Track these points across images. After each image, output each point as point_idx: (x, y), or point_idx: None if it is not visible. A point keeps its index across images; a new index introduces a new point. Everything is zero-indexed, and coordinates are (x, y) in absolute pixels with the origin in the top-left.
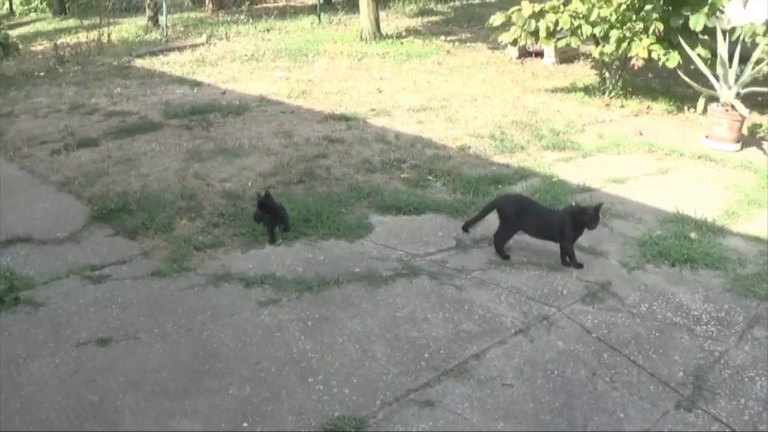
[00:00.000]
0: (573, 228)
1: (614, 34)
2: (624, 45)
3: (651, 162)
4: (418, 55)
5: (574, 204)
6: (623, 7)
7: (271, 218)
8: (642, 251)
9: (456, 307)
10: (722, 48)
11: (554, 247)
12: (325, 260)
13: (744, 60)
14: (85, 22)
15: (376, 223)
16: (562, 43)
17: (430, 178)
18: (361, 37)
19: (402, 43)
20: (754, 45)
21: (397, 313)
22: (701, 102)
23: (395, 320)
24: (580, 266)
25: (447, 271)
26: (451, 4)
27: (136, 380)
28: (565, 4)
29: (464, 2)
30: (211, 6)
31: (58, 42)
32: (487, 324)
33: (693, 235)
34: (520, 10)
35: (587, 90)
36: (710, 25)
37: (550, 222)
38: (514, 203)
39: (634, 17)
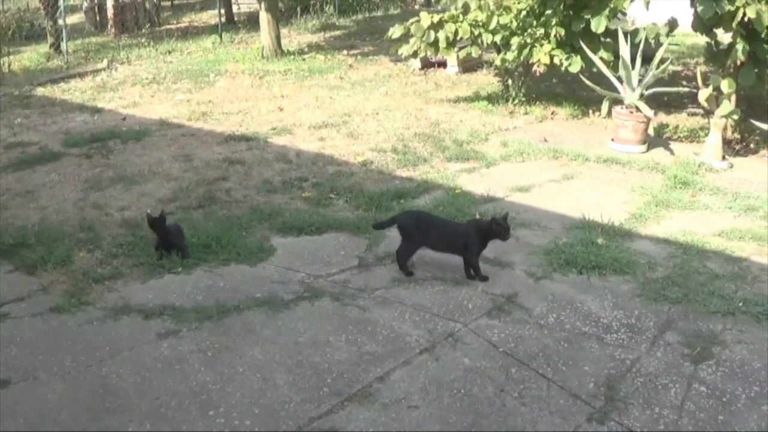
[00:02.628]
0: (477, 240)
1: (515, 41)
2: (525, 51)
3: (556, 168)
4: (320, 71)
5: (477, 215)
6: (523, 13)
7: (159, 239)
8: (548, 260)
9: (359, 329)
10: (624, 50)
11: (458, 260)
12: (225, 287)
13: (648, 61)
14: None
15: (277, 245)
16: (463, 54)
17: (332, 196)
18: (262, 55)
19: (304, 60)
20: (659, 45)
21: (299, 338)
22: (605, 105)
23: (297, 346)
24: (485, 279)
25: (349, 291)
26: (354, 18)
27: (35, 423)
28: (464, 14)
29: (367, 15)
30: (113, 30)
31: None
32: (391, 344)
33: (600, 240)
34: (419, 21)
35: (491, 98)
36: (612, 27)
37: (454, 235)
38: (415, 218)
39: (534, 23)
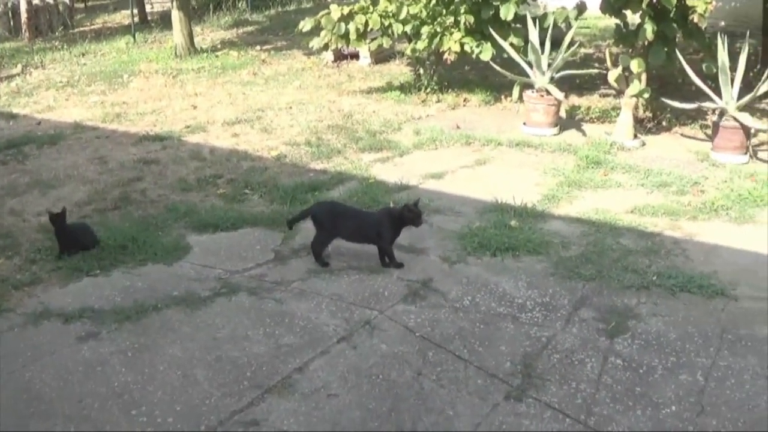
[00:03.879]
0: (391, 228)
1: (425, 30)
2: (436, 40)
3: (469, 154)
4: (234, 67)
5: (391, 204)
6: (432, 2)
7: (57, 236)
8: (462, 244)
9: (276, 321)
10: (533, 35)
11: (374, 249)
12: (143, 287)
13: (558, 45)
14: None
15: (193, 243)
16: (374, 45)
17: (247, 191)
18: (175, 53)
19: (217, 56)
20: (570, 29)
21: (217, 334)
22: (516, 90)
23: (216, 341)
24: (400, 266)
25: (266, 285)
26: (267, 13)
27: None
28: (374, 5)
29: (279, 10)
30: (27, 34)
31: None
32: (308, 335)
33: (513, 223)
34: (329, 13)
35: (403, 88)
36: (521, 13)
37: (367, 224)
38: (328, 210)
39: (444, 12)
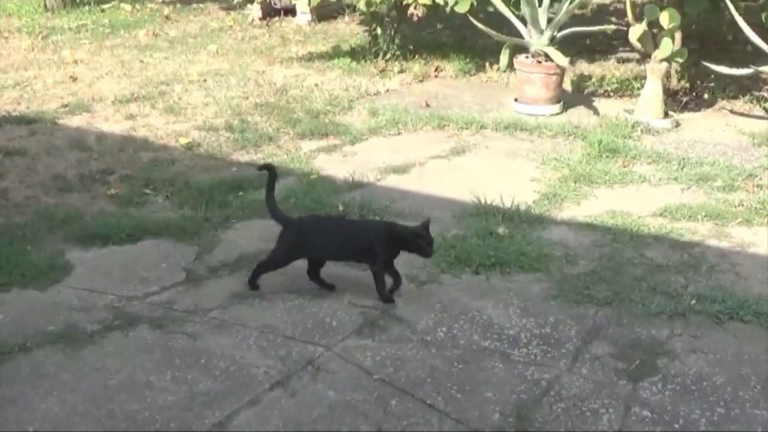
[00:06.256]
0: (385, 246)
1: None
2: None
3: (442, 141)
4: (127, 26)
5: (340, 208)
6: None
7: None
8: (435, 259)
9: (189, 363)
10: None
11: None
12: (6, 320)
13: None
14: None
15: (76, 260)
16: None
17: (148, 191)
18: (45, 6)
19: (103, 11)
20: None
21: (109, 381)
22: (505, 55)
23: (107, 390)
24: (389, 300)
25: (175, 314)
26: None
27: None
28: None
29: None
30: None
31: None
32: (232, 380)
33: (502, 230)
34: None
35: (355, 54)
36: None
37: (356, 235)
38: (310, 224)
39: None
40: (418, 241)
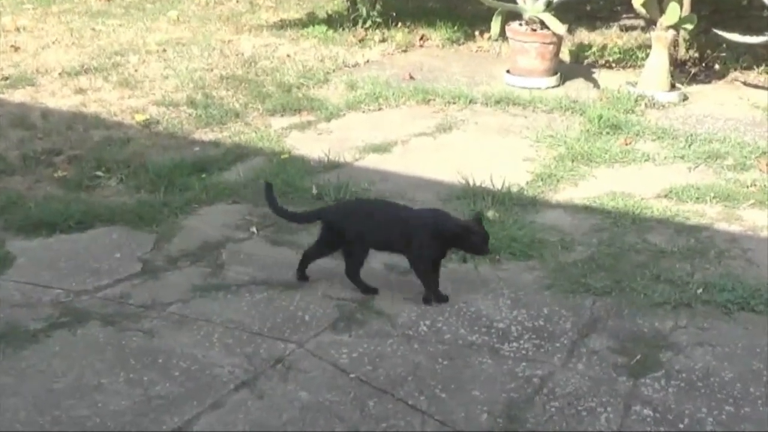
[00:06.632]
0: (429, 242)
1: None
2: None
3: (427, 116)
4: None
5: (314, 190)
6: None
7: None
8: None
9: (145, 363)
10: None
11: (289, 255)
12: None
13: None
14: None
15: (18, 250)
16: None
17: (100, 173)
18: None
19: None
20: None
21: (54, 384)
22: (496, 22)
23: (52, 395)
24: (444, 299)
25: (130, 310)
26: None
27: None
28: None
29: None
30: None
31: None
32: (193, 381)
33: (492, 214)
34: None
35: (332, 21)
36: None
37: (395, 224)
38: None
39: None
40: (471, 236)
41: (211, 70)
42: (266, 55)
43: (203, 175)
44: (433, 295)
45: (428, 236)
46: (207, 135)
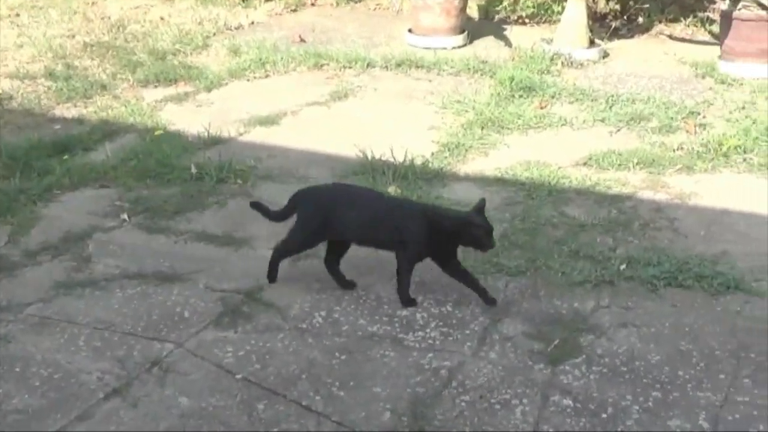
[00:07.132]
0: (422, 236)
1: None
2: None
3: (320, 83)
4: None
5: (193, 169)
6: None
7: None
8: None
9: (0, 372)
10: None
11: (165, 244)
12: None
13: None
14: None
15: None
16: None
17: None
18: None
19: None
20: None
21: None
22: None
23: None
24: (411, 303)
25: None
26: None
27: None
28: None
29: None
30: None
31: None
32: (56, 391)
33: (392, 189)
34: None
35: None
36: None
37: (382, 217)
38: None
39: None
40: (472, 230)
41: (73, 36)
42: (136, 18)
43: (65, 157)
44: (402, 297)
45: (421, 226)
46: (69, 111)
